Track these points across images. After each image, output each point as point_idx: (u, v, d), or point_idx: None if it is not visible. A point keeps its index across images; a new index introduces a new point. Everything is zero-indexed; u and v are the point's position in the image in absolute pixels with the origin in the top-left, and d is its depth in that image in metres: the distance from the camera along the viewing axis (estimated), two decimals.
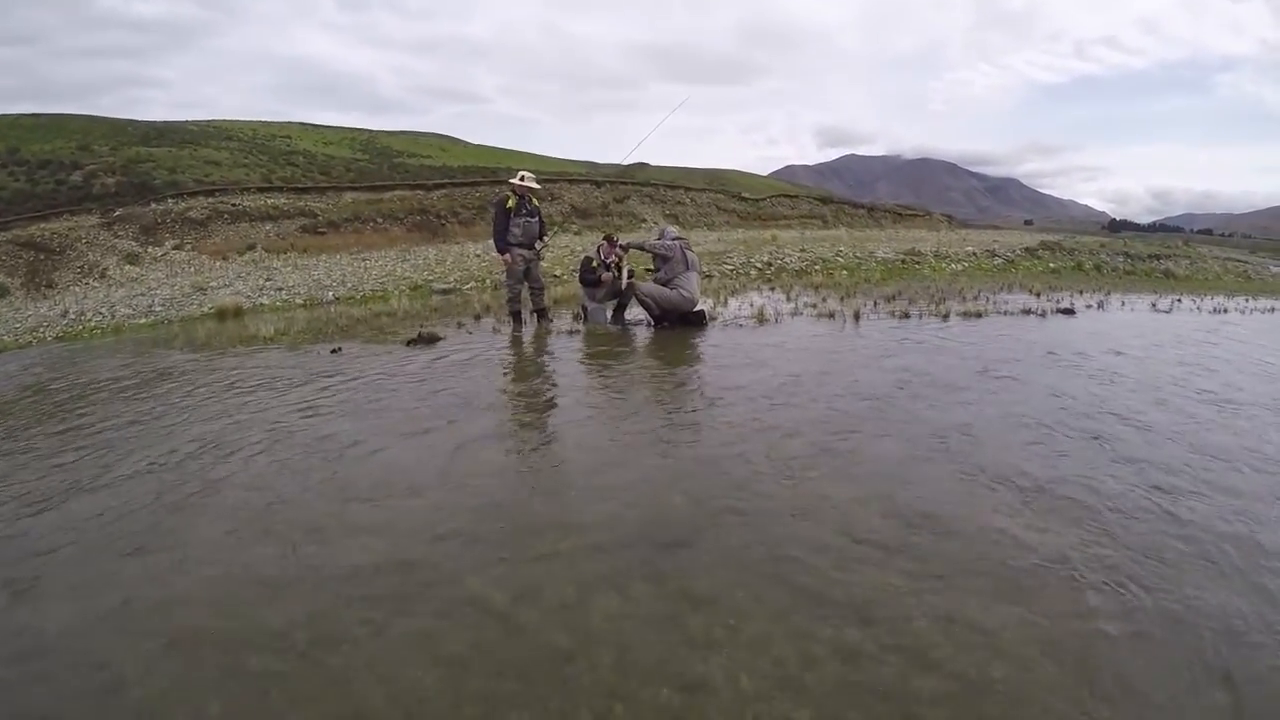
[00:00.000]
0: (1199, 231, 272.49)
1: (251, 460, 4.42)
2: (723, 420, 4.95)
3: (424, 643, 2.59)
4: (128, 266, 31.61)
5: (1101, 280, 19.66)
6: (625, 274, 9.24)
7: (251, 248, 35.31)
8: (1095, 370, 6.80)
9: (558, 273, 16.77)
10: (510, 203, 8.92)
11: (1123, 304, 13.35)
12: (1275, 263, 53.98)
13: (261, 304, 16.31)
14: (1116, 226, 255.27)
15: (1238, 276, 29.52)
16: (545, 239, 9.48)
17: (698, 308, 8.89)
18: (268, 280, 21.90)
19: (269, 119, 67.35)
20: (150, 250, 33.63)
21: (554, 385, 6.15)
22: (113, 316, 17.52)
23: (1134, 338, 9.07)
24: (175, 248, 34.41)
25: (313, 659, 2.53)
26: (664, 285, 8.65)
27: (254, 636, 2.67)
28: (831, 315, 9.63)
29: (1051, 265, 22.92)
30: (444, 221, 43.97)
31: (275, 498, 3.89)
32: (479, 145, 79.81)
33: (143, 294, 21.90)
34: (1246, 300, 16.30)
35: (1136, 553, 3.27)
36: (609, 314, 9.25)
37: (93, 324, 16.51)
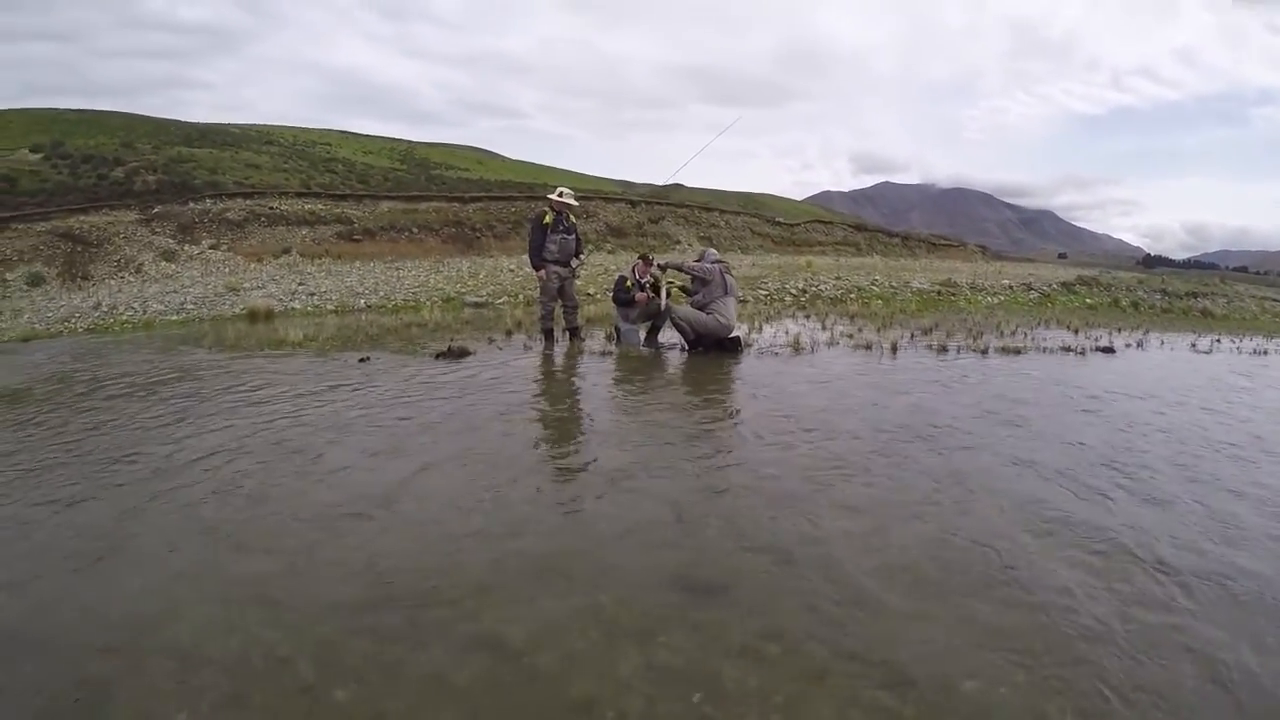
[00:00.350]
0: (1235, 269, 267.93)
1: (243, 478, 4.28)
2: (766, 457, 4.69)
3: (435, 683, 2.44)
4: (164, 263, 32.10)
5: (1139, 318, 19.31)
6: (663, 295, 9.12)
7: (286, 251, 35.75)
8: (1144, 417, 6.50)
9: (590, 290, 16.74)
10: (547, 219, 8.83)
11: (1161, 343, 13.03)
12: None
13: (293, 308, 16.42)
14: (1151, 262, 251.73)
15: (1275, 316, 28.90)
16: (581, 257, 9.38)
17: (733, 334, 8.72)
18: (300, 285, 22.11)
19: (309, 125, 68.45)
20: (187, 248, 34.15)
21: (583, 411, 5.92)
22: (144, 311, 17.74)
23: (1178, 379, 8.75)
24: (211, 247, 34.91)
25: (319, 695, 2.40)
26: (700, 309, 8.51)
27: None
28: (869, 346, 9.43)
29: (1088, 301, 22.57)
30: (479, 235, 44.31)
31: (255, 531, 3.59)
32: (516, 160, 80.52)
33: (175, 291, 22.19)
34: None
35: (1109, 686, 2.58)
36: (642, 336, 9.14)
37: (124, 318, 16.72)
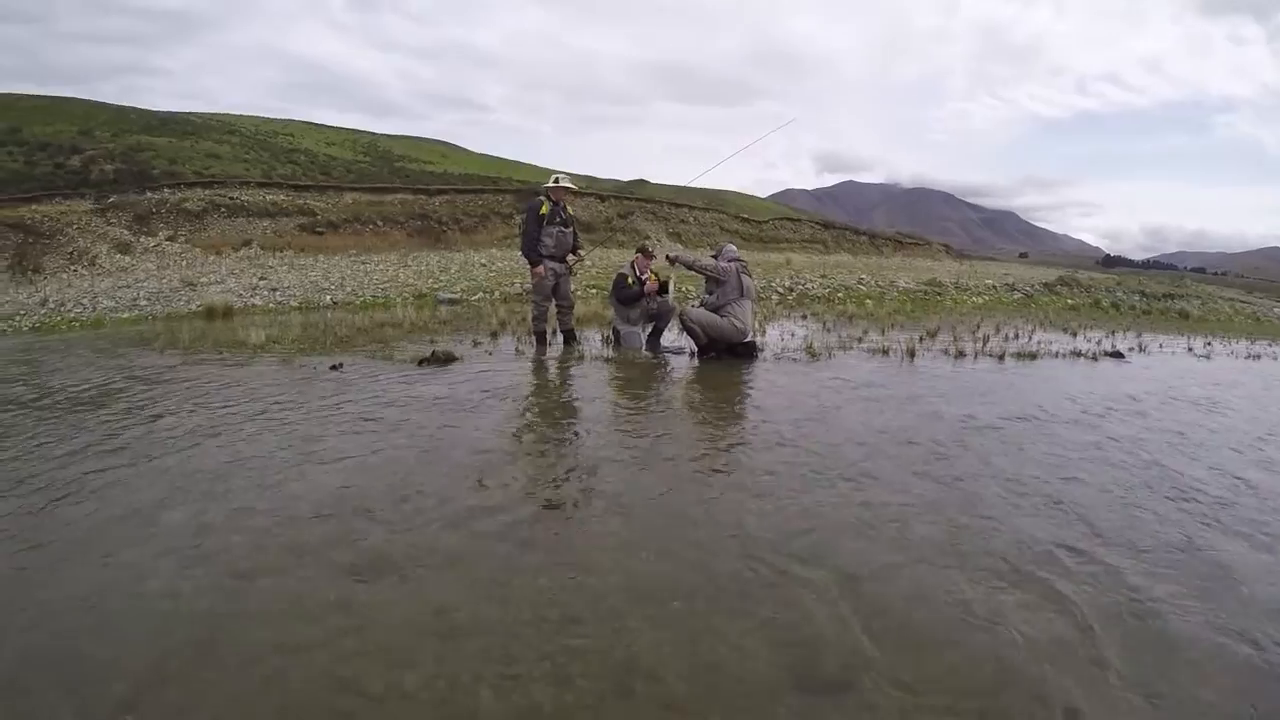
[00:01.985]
0: (1192, 269, 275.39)
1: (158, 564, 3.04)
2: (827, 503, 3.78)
3: None
4: (119, 255, 30.63)
5: (1121, 319, 19.33)
6: (671, 292, 8.36)
7: (247, 244, 34.39)
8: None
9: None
10: (544, 209, 8.01)
11: (1160, 346, 12.94)
12: (1276, 303, 53.96)
13: (254, 304, 15.41)
14: (1111, 262, 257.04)
15: (1248, 318, 29.19)
16: (580, 252, 8.62)
17: (748, 338, 7.98)
18: (262, 279, 20.96)
19: (271, 115, 66.66)
20: (143, 240, 32.66)
21: (599, 436, 4.83)
22: (94, 309, 16.57)
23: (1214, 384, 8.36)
24: (169, 239, 33.44)
25: None
26: (714, 311, 7.78)
27: None
28: (885, 352, 8.85)
29: (1070, 302, 22.54)
30: (445, 228, 43.22)
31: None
32: (481, 154, 79.18)
33: (128, 286, 20.91)
34: (1269, 344, 16.08)
35: None
36: (644, 338, 8.42)
37: (72, 315, 15.58)
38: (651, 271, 8.47)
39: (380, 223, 40.84)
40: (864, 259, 48.99)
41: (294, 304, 15.25)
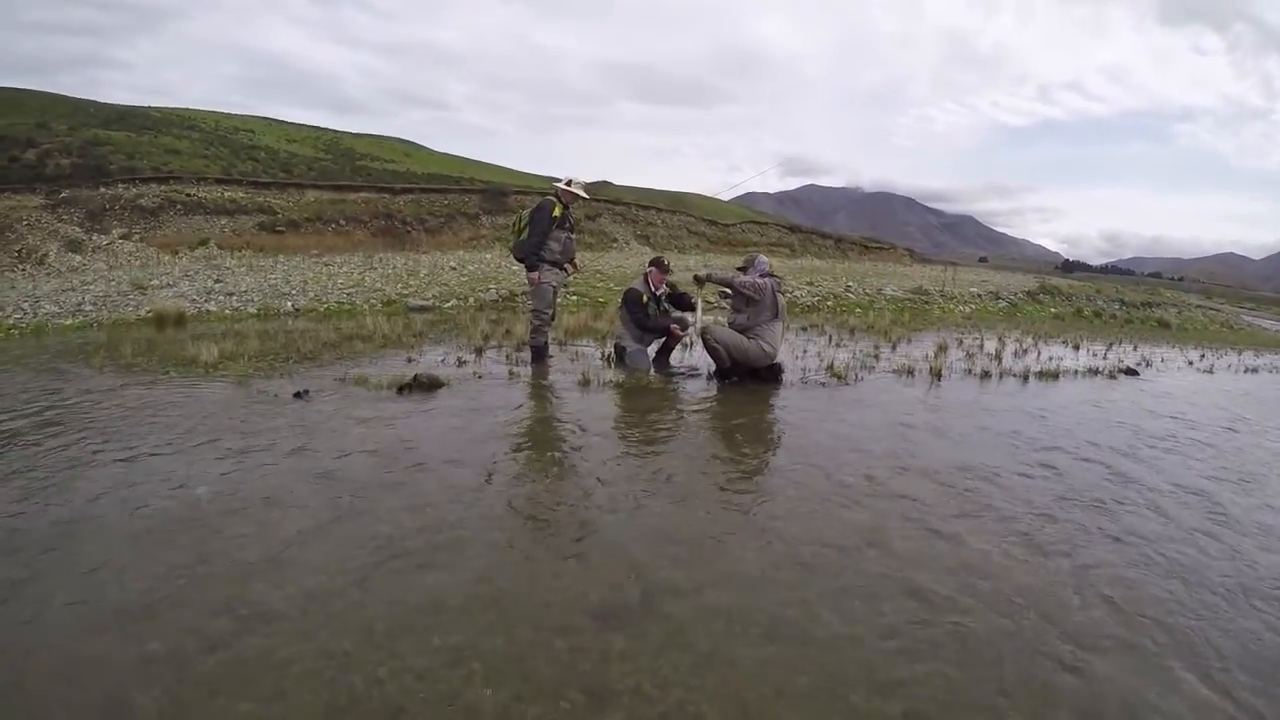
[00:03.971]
0: (1149, 274, 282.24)
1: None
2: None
3: None
4: (70, 254, 29.01)
5: (1105, 328, 19.29)
6: (697, 317, 7.46)
7: (204, 243, 32.89)
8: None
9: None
10: (556, 210, 7.25)
11: (1163, 360, 12.90)
12: (1245, 311, 55.13)
13: (208, 310, 14.24)
14: (1070, 267, 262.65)
15: (1221, 326, 29.48)
16: (578, 263, 7.87)
17: (774, 361, 7.18)
18: (217, 282, 19.65)
19: (232, 111, 64.55)
20: (95, 238, 31.02)
21: (677, 539, 3.46)
22: (35, 314, 15.26)
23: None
24: (122, 237, 31.82)
25: None
26: (742, 332, 6.91)
27: None
28: (910, 372, 8.18)
29: (1054, 310, 22.39)
30: (410, 229, 42.04)
31: None
32: (444, 153, 77.74)
33: (73, 289, 19.40)
34: (1255, 355, 16.78)
35: None
36: (651, 356, 7.60)
37: (11, 322, 14.30)
38: (667, 285, 7.65)
39: (343, 222, 39.52)
40: (831, 263, 48.65)
41: (252, 310, 14.11)
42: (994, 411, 6.67)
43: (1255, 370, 13.94)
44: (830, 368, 7.89)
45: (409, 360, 7.55)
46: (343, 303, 15.06)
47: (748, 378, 7.02)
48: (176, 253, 31.40)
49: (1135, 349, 14.60)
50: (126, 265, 28.06)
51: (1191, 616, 3.07)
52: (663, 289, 7.52)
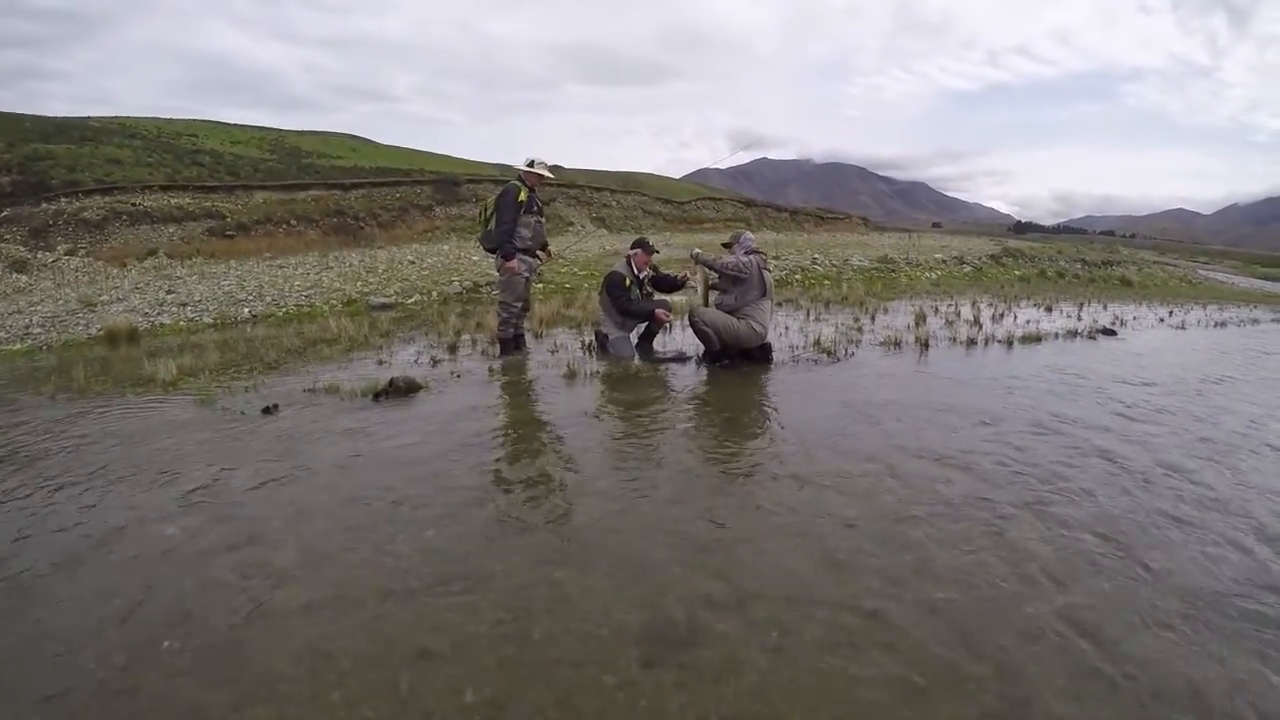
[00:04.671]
0: (1102, 233, 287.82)
1: None
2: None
3: None
4: (14, 275, 27.80)
5: (1070, 288, 19.46)
6: (700, 296, 7.26)
7: (153, 253, 31.81)
8: None
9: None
10: (522, 195, 6.92)
11: (1134, 319, 13.09)
12: (1200, 265, 56.42)
13: (162, 323, 13.66)
14: (1022, 228, 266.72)
15: (1181, 281, 30.00)
16: (550, 249, 7.57)
17: (765, 340, 6.96)
18: (169, 293, 18.92)
19: (174, 116, 62.69)
20: (40, 255, 29.79)
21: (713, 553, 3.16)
22: None
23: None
24: (68, 253, 30.63)
25: None
26: (731, 313, 6.70)
27: None
28: (897, 344, 8.04)
29: (1018, 273, 22.54)
30: (363, 224, 41.15)
31: None
32: (391, 146, 76.46)
33: (19, 311, 18.52)
34: (1219, 309, 17.41)
35: None
36: (634, 343, 7.31)
37: None
38: (651, 267, 7.38)
39: (294, 222, 38.53)
40: (791, 235, 48.66)
41: (208, 320, 13.56)
42: (1005, 384, 6.56)
43: (1223, 325, 14.24)
44: (818, 344, 7.71)
45: (380, 363, 7.20)
46: (302, 305, 14.58)
47: (739, 359, 6.80)
48: (125, 265, 30.31)
49: (1105, 308, 14.75)
50: (74, 282, 26.99)
51: None
52: (645, 272, 7.25)
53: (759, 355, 6.87)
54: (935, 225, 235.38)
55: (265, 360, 7.61)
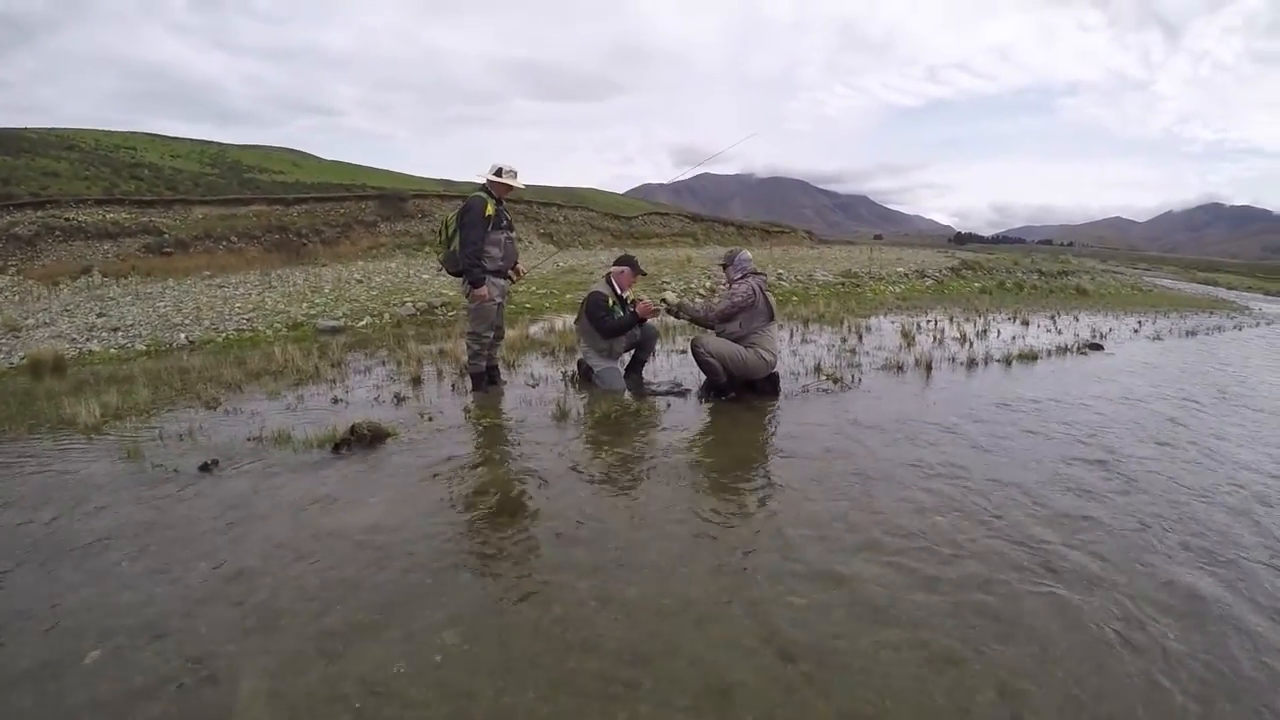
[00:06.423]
0: (1040, 242, 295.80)
1: None
2: None
3: None
4: None
5: (1031, 299, 19.57)
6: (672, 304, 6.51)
7: (86, 271, 30.09)
8: None
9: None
10: (489, 208, 6.02)
11: (1110, 330, 13.08)
12: (1144, 272, 57.95)
13: (91, 351, 12.54)
14: (962, 239, 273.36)
15: (1134, 289, 30.43)
16: (521, 268, 6.68)
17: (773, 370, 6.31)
18: (100, 316, 17.62)
19: (113, 128, 60.50)
20: None
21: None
22: None
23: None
24: None
25: None
26: (737, 341, 6.04)
27: None
28: (899, 368, 7.59)
29: (978, 285, 22.52)
30: (305, 241, 39.74)
31: None
32: (333, 161, 74.90)
33: None
34: (1181, 318, 18.06)
35: None
36: (623, 374, 6.62)
37: None
38: (634, 298, 6.67)
39: (234, 239, 36.97)
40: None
41: (140, 347, 12.48)
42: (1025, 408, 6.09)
43: (1194, 334, 14.36)
44: (819, 369, 7.17)
45: (335, 400, 6.39)
46: (243, 330, 13.59)
47: (744, 391, 6.17)
48: (57, 284, 28.58)
49: (1077, 319, 14.70)
50: (1, 304, 25.37)
51: None
52: (629, 290, 6.59)
53: (765, 386, 6.23)
54: (877, 237, 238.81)
55: (202, 396, 6.75)
